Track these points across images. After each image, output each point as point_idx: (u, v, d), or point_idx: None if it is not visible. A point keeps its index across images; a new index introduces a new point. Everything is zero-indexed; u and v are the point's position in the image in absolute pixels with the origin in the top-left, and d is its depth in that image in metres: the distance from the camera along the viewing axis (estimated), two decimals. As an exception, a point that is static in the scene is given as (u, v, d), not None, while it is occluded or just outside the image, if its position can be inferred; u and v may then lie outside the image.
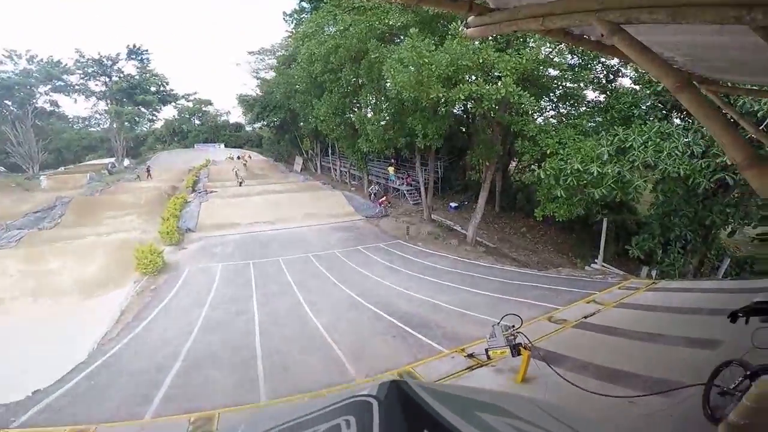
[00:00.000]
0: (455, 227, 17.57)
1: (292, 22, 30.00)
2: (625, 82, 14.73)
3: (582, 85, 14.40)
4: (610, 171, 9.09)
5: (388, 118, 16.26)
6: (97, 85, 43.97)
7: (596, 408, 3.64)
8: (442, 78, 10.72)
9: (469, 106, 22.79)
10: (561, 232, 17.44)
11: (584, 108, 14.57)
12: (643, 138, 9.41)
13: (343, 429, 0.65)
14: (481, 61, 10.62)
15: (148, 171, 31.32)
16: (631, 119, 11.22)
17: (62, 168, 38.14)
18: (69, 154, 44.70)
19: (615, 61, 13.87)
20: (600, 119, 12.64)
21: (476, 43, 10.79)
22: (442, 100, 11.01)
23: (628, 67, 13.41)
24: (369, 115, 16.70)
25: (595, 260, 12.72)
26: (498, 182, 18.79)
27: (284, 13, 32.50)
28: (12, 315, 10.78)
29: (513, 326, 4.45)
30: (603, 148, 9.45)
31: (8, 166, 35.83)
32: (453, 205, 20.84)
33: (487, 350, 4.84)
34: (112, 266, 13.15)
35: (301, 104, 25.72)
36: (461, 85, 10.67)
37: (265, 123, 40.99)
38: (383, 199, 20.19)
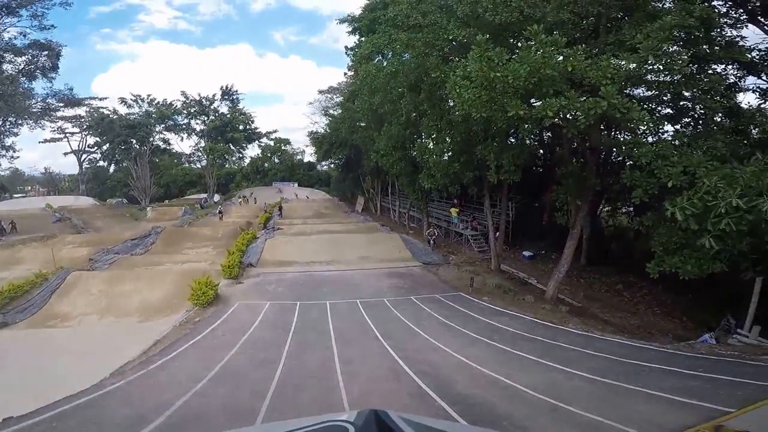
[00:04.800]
0: (530, 280, 15.54)
1: (354, 57, 29.15)
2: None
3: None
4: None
5: (453, 147, 14.57)
6: (197, 124, 50.43)
7: None
8: (519, 93, 8.81)
9: (545, 136, 20.40)
10: (670, 290, 14.19)
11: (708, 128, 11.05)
12: None
13: None
14: (570, 69, 8.45)
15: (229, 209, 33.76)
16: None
17: (166, 201, 45.24)
18: (174, 188, 53.56)
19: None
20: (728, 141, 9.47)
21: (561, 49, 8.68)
22: (523, 118, 8.98)
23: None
24: (431, 146, 14.99)
25: (737, 331, 9.67)
26: (585, 228, 16.01)
27: (346, 47, 32.58)
28: (78, 327, 11.74)
29: None
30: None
31: (129, 197, 43.45)
32: (527, 254, 18.72)
33: None
34: (174, 294, 13.69)
35: (363, 139, 25.73)
36: (549, 99, 8.53)
37: (332, 160, 43.02)
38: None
